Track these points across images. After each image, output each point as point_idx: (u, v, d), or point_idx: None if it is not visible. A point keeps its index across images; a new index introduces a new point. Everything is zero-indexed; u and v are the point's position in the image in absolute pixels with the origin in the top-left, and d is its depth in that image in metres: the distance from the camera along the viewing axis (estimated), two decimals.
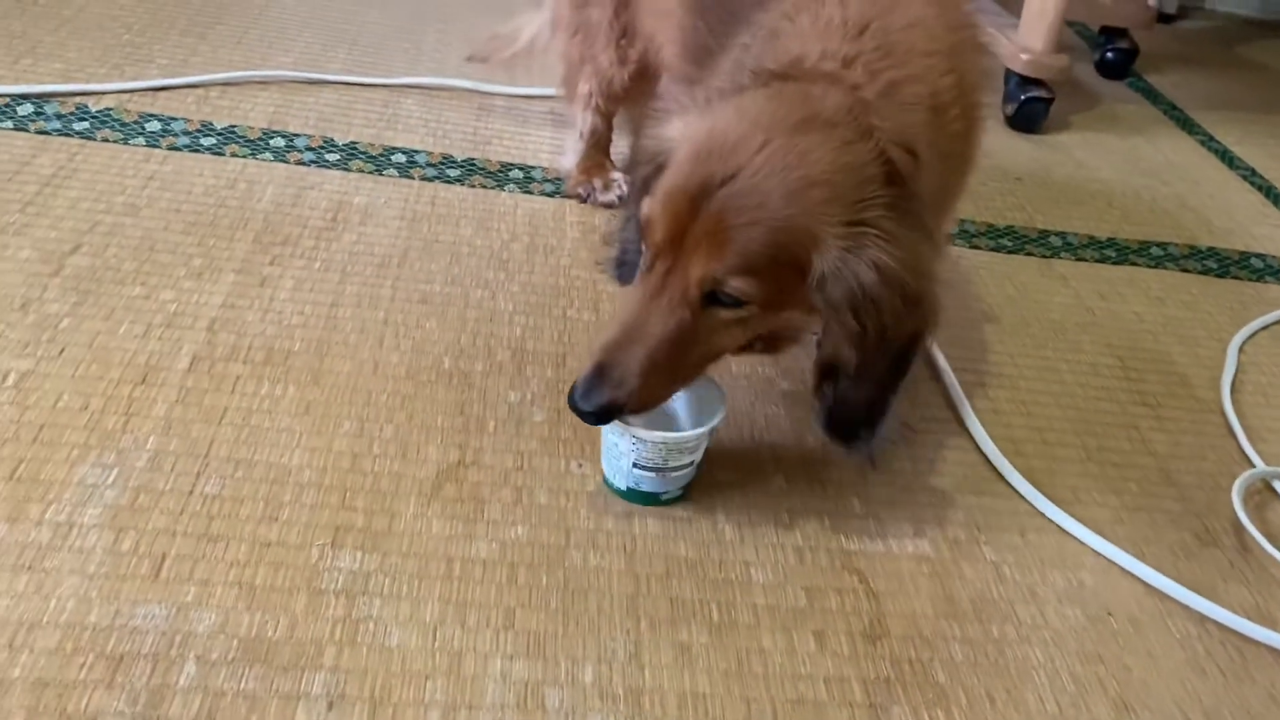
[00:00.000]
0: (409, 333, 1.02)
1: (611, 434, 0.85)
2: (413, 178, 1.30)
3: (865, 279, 0.75)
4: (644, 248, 0.80)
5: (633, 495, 0.87)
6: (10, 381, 0.88)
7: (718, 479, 0.91)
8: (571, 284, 1.14)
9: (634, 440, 0.83)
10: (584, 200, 1.31)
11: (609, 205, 1.30)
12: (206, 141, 1.28)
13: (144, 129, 1.28)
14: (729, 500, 0.89)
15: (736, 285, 0.76)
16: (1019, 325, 1.21)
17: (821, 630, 0.79)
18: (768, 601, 0.81)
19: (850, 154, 0.76)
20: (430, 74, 1.54)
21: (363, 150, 1.33)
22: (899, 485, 0.95)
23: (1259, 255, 1.46)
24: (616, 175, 1.32)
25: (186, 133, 1.29)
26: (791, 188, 0.75)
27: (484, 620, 0.76)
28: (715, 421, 0.86)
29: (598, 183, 1.31)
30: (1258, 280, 1.40)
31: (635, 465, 0.85)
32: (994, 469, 0.98)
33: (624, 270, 0.96)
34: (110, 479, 0.81)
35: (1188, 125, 1.89)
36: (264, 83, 1.45)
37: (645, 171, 0.85)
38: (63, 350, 0.92)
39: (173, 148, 1.26)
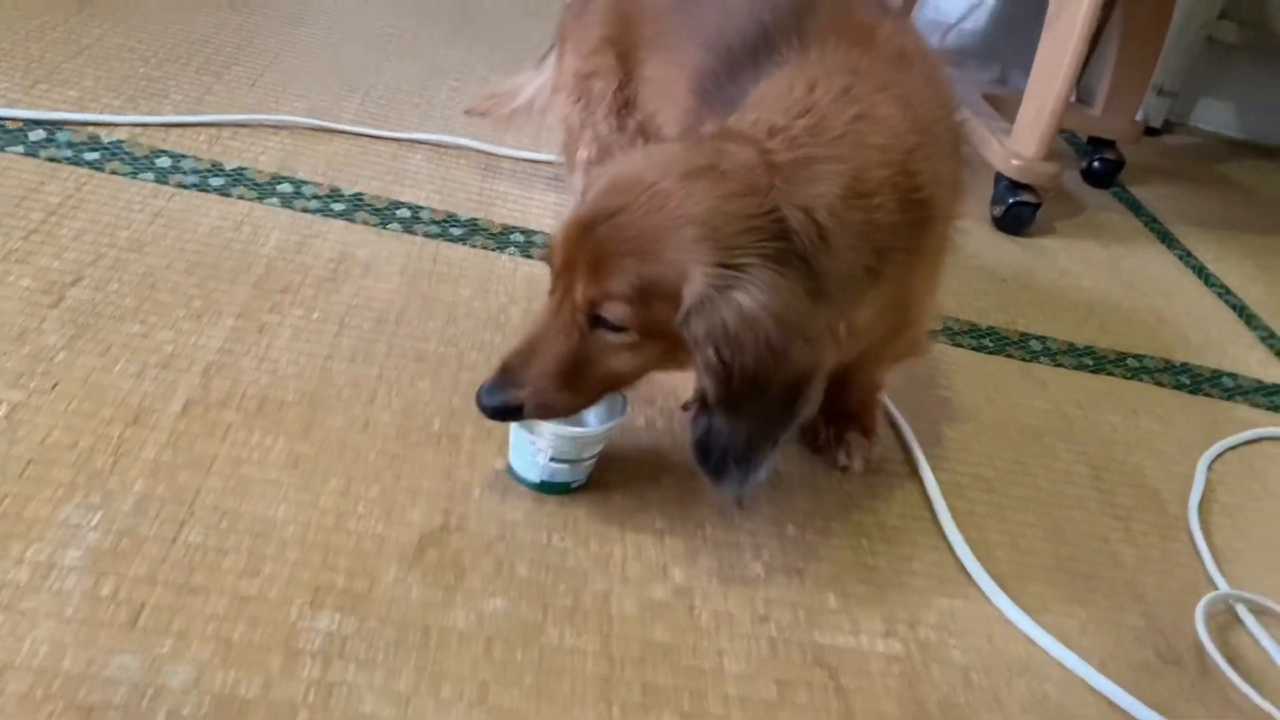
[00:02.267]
0: (402, 391, 1.04)
1: (525, 431, 0.92)
2: (416, 234, 1.31)
3: (727, 318, 0.78)
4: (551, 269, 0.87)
5: (545, 487, 0.95)
6: (1, 413, 0.88)
7: (698, 564, 0.93)
8: None
9: (552, 436, 0.91)
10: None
11: None
12: (215, 182, 1.30)
13: (154, 164, 1.30)
14: (707, 587, 0.91)
15: (612, 310, 0.82)
16: (997, 427, 1.24)
17: None
18: (739, 692, 0.82)
19: (735, 204, 0.80)
20: (440, 131, 1.56)
21: (369, 202, 1.35)
22: (874, 582, 0.96)
23: (1230, 374, 1.50)
24: None
25: (196, 171, 1.31)
26: (666, 223, 0.80)
27: (457, 693, 0.76)
28: (621, 418, 0.95)
29: None
30: (1228, 399, 1.43)
31: (552, 459, 0.92)
32: (966, 571, 1.00)
33: None
34: (94, 521, 0.81)
35: (1167, 239, 1.95)
36: (276, 127, 1.47)
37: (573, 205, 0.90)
38: (56, 384, 0.93)
39: (181, 185, 1.27)
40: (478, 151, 1.56)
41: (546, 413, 0.88)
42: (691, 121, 1.06)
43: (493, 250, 1.33)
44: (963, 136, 0.98)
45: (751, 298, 0.78)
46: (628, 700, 0.79)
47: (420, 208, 1.38)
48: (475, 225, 1.37)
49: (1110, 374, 1.42)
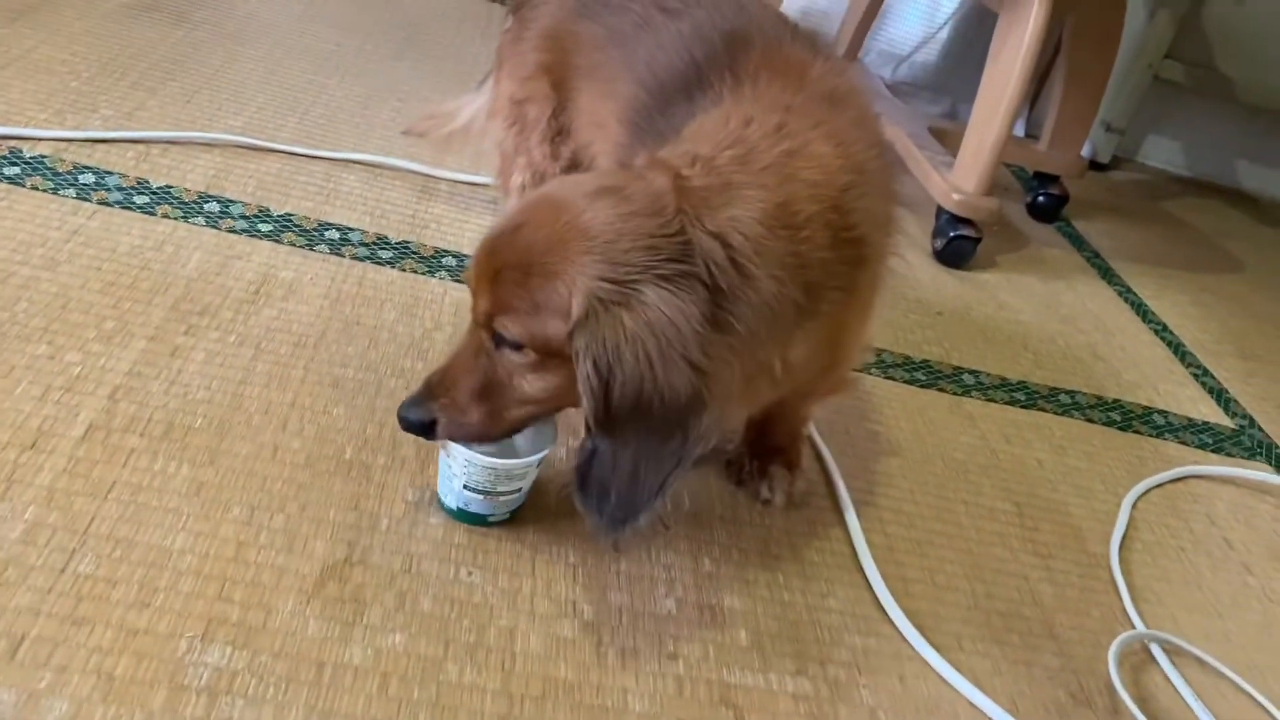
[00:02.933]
0: (315, 418, 1.02)
1: (445, 455, 0.91)
2: (344, 255, 1.30)
3: (607, 333, 0.76)
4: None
5: (462, 515, 0.94)
6: None
7: (608, 600, 0.91)
8: None
9: (465, 462, 0.89)
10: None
11: None
12: (139, 200, 1.28)
13: (77, 180, 1.28)
14: (616, 622, 0.89)
15: (504, 325, 0.81)
16: (923, 461, 1.24)
17: None
18: None
19: (633, 222, 0.78)
20: (376, 151, 1.55)
21: (297, 223, 1.34)
22: (788, 619, 0.95)
23: (1161, 411, 1.51)
24: None
25: (120, 188, 1.29)
26: (555, 238, 0.79)
27: None
28: (543, 453, 0.93)
29: None
30: (1157, 436, 1.44)
31: (465, 487, 0.91)
32: (882, 608, 0.99)
33: None
34: None
35: (1108, 275, 1.97)
36: (208, 145, 1.45)
37: None
38: None
39: (104, 203, 1.25)
40: (414, 173, 1.54)
41: (461, 433, 0.87)
42: (623, 154, 1.05)
43: (423, 274, 1.31)
44: (894, 176, 0.98)
45: (635, 315, 0.75)
46: None
47: (350, 229, 1.36)
48: (407, 248, 1.36)
49: (1041, 409, 1.43)
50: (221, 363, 1.05)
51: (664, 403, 0.78)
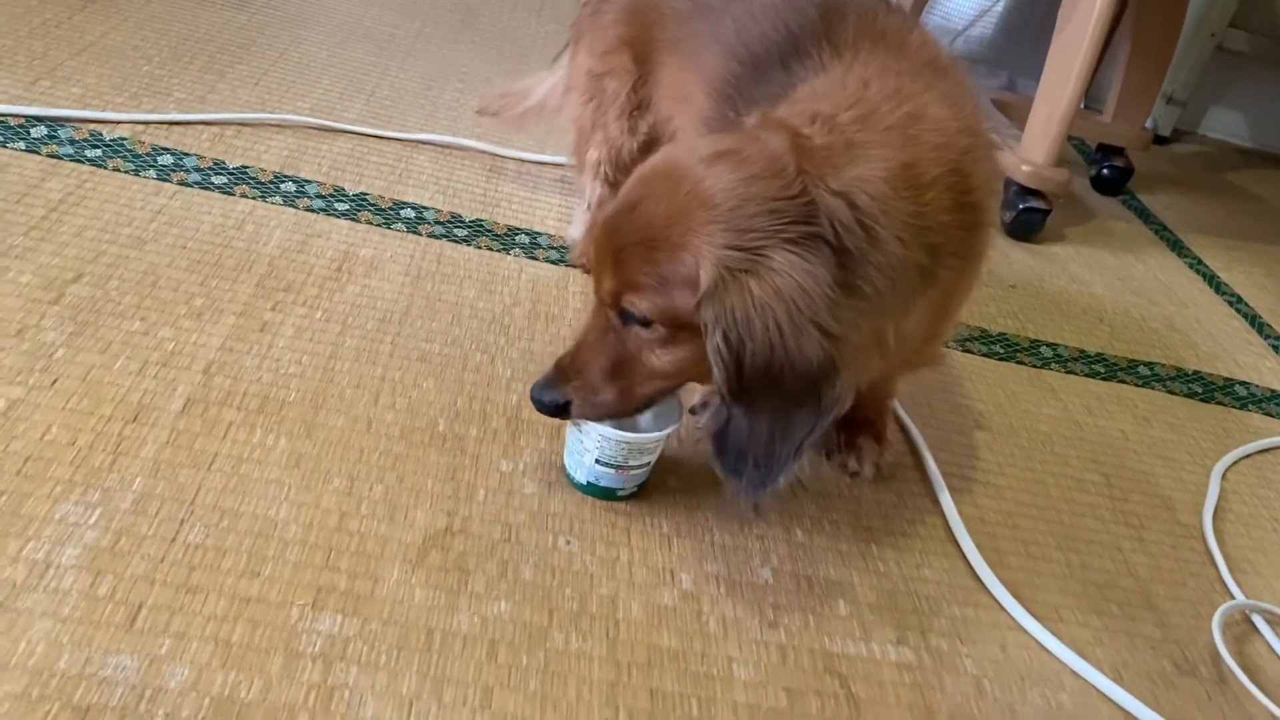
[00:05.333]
0: (405, 391, 1.02)
1: (576, 430, 0.92)
2: (420, 234, 1.30)
3: (736, 303, 0.74)
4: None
5: (592, 489, 0.94)
6: None
7: (705, 569, 0.91)
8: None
9: (599, 438, 0.90)
10: (588, 271, 1.32)
11: None
12: (218, 180, 1.29)
13: (156, 162, 1.29)
14: (715, 591, 0.89)
15: (631, 301, 0.81)
16: (1008, 434, 1.22)
17: None
18: (748, 700, 0.80)
19: (755, 186, 0.76)
20: (444, 132, 1.55)
21: (372, 202, 1.34)
22: (885, 589, 0.94)
23: (1242, 383, 1.48)
24: None
25: (198, 169, 1.30)
26: (677, 209, 0.78)
27: (460, 698, 0.74)
28: (673, 428, 0.93)
29: None
30: (1240, 408, 1.41)
31: (598, 461, 0.91)
32: (978, 579, 0.98)
33: None
34: (93, 519, 0.80)
35: (1177, 247, 1.93)
36: (280, 126, 1.45)
37: None
38: (55, 381, 0.91)
39: (183, 183, 1.26)
40: (483, 153, 1.54)
41: (594, 412, 0.88)
42: (710, 126, 1.04)
43: (497, 251, 1.31)
44: (999, 143, 0.96)
45: (764, 283, 0.74)
46: (635, 707, 0.77)
47: (425, 208, 1.36)
48: (480, 226, 1.36)
49: (1121, 381, 1.41)
50: (311, 338, 1.06)
51: (795, 370, 0.76)
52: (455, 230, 1.33)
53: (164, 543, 0.79)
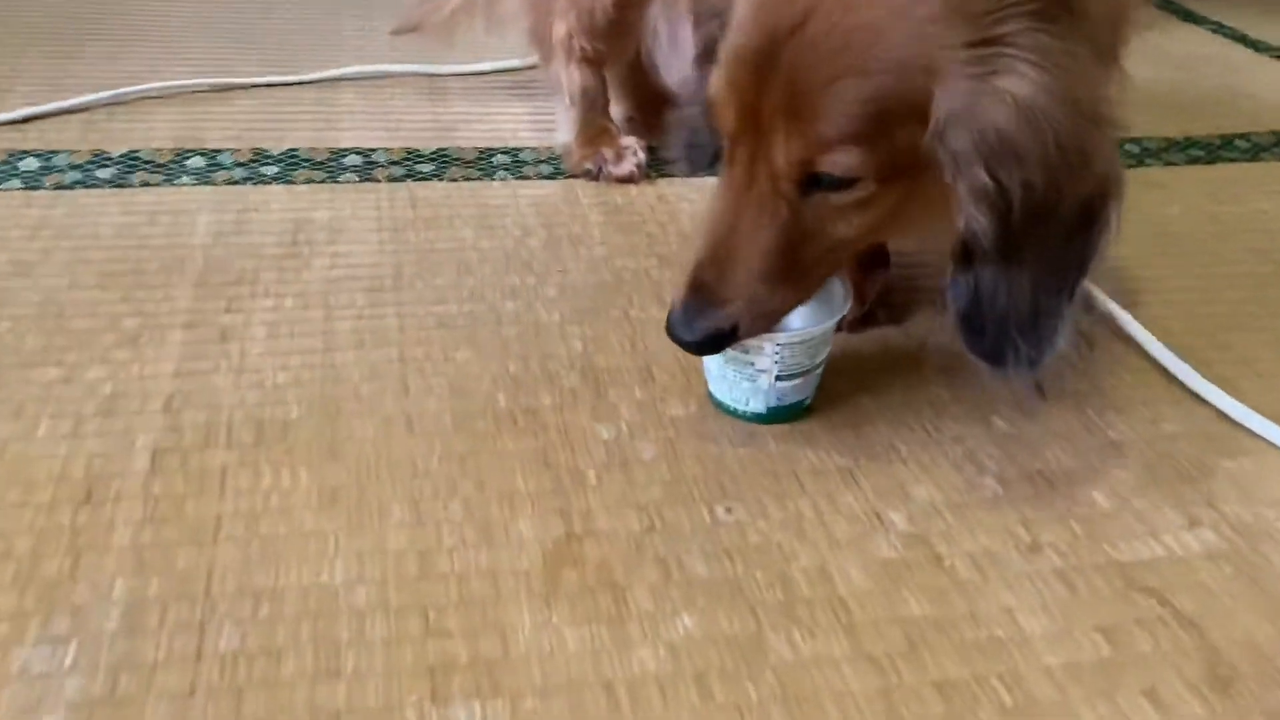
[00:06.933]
0: (438, 370, 0.76)
1: (737, 354, 0.69)
2: (377, 180, 1.03)
3: (998, 118, 0.55)
4: (720, 135, 0.63)
5: (775, 414, 0.72)
6: None
7: (914, 498, 0.67)
8: (619, 277, 0.89)
9: (775, 351, 0.68)
10: (595, 177, 1.06)
11: (627, 179, 1.05)
12: (103, 173, 0.99)
13: (17, 169, 0.99)
14: (942, 525, 0.65)
15: (837, 162, 0.58)
16: (1149, 241, 1.00)
17: (1151, 687, 0.56)
18: (1061, 659, 0.57)
19: None
20: (363, 62, 1.26)
21: (306, 157, 1.06)
22: (1135, 463, 0.72)
23: None
24: (629, 141, 1.07)
25: (75, 166, 1.00)
26: (883, 14, 0.55)
27: None
28: (848, 303, 0.72)
29: (608, 153, 1.06)
30: None
31: (778, 378, 0.70)
32: (1230, 419, 0.76)
33: (695, 154, 0.79)
34: (69, 659, 0.53)
35: (1190, 17, 1.72)
36: (161, 97, 1.16)
37: (707, 31, 0.67)
38: None
39: (60, 186, 0.96)
40: (416, 75, 1.26)
41: (765, 323, 0.66)
42: None
43: (477, 180, 1.04)
44: None
45: (1027, 81, 0.54)
46: (927, 714, 0.53)
47: (371, 150, 1.08)
48: (445, 156, 1.08)
49: (1227, 160, 1.19)
50: (290, 334, 0.79)
51: (1076, 188, 0.57)
52: (418, 167, 1.06)
53: (187, 664, 0.53)
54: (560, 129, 1.09)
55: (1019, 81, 0.54)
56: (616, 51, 1.06)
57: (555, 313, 0.83)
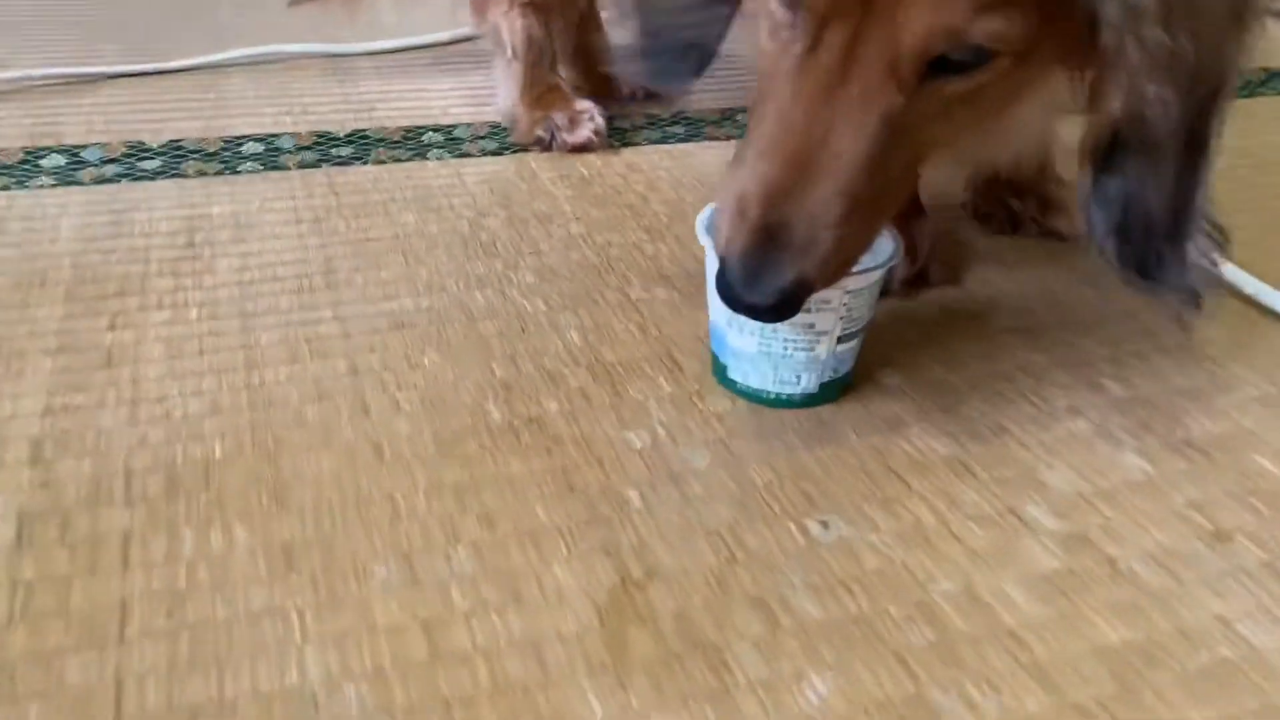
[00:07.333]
0: (404, 380, 0.58)
1: (793, 327, 0.53)
2: (287, 168, 0.84)
3: None
4: (790, 13, 0.46)
5: (829, 390, 0.57)
6: None
7: (1043, 480, 0.52)
8: (606, 255, 0.73)
9: (844, 303, 0.53)
10: (547, 147, 0.89)
11: (584, 147, 0.89)
12: None
13: None
14: (1092, 512, 0.50)
15: (991, 28, 0.43)
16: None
17: None
18: None
19: None
20: (251, 43, 1.07)
21: (194, 149, 0.86)
22: (1216, 407, 0.58)
23: None
24: (584, 104, 0.91)
25: None
26: None
27: None
28: (898, 254, 0.56)
29: (559, 118, 0.89)
30: None
31: (841, 338, 0.55)
32: None
33: (661, 64, 0.61)
34: None
35: None
36: (6, 91, 0.95)
37: None
38: None
39: None
40: (316, 56, 1.08)
41: (844, 270, 0.50)
42: None
43: (408, 160, 0.87)
44: None
45: None
46: None
47: (275, 136, 0.90)
48: (365, 137, 0.90)
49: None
50: (197, 351, 0.60)
51: (1235, 47, 0.47)
52: (333, 151, 0.87)
53: None
54: (501, 91, 0.92)
55: None
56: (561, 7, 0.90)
57: (539, 300, 0.66)
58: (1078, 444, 0.55)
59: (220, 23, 1.17)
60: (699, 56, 0.58)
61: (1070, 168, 0.83)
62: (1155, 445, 0.55)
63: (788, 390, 0.56)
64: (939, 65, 0.45)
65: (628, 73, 0.73)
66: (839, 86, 0.45)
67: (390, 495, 0.50)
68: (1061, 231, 0.78)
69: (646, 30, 0.61)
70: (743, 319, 0.52)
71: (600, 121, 0.90)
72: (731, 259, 0.47)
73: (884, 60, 0.44)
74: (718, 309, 0.55)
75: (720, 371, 0.58)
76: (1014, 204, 0.78)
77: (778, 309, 0.48)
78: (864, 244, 0.50)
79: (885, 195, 0.49)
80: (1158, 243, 0.50)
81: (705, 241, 0.54)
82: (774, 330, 0.54)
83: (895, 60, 0.44)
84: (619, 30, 0.86)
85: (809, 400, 0.57)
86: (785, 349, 0.55)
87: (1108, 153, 0.48)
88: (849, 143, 0.45)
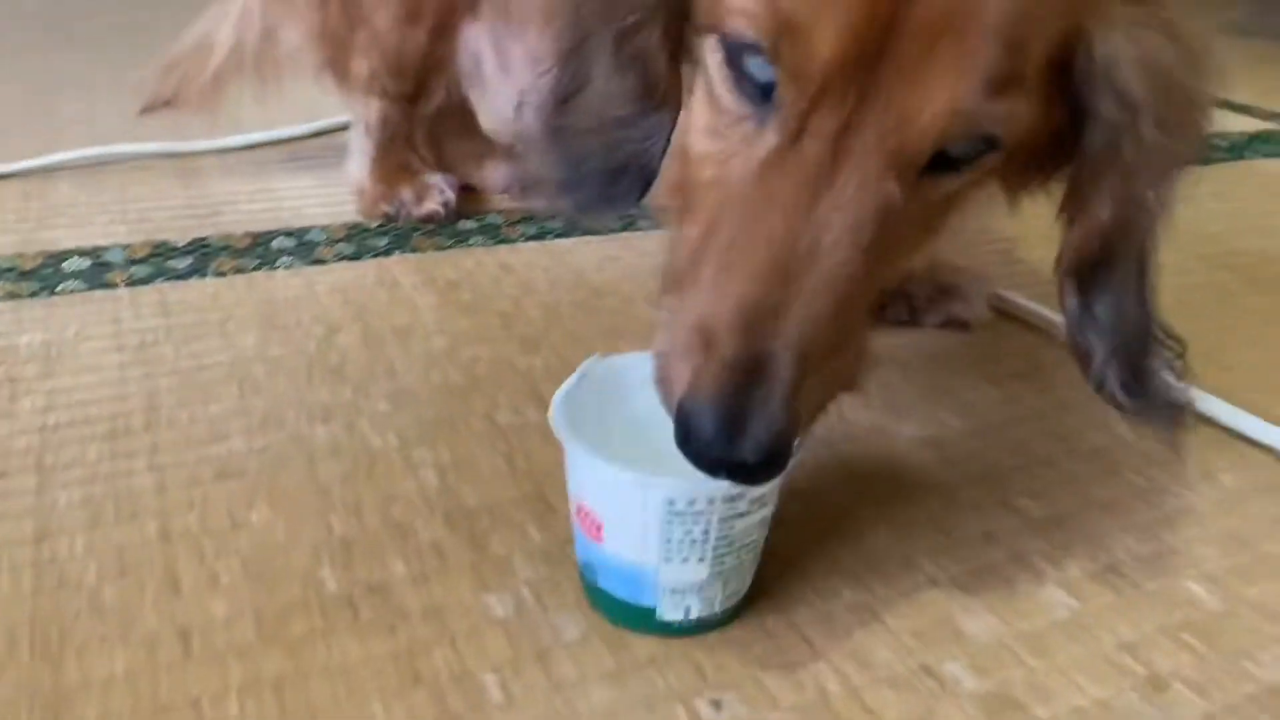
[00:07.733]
0: (225, 545, 0.49)
1: (723, 507, 0.42)
2: (115, 286, 0.75)
3: (1167, 57, 0.42)
4: (751, 104, 0.41)
5: (726, 615, 0.46)
6: None
7: (961, 629, 0.46)
8: (472, 373, 0.65)
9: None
10: (393, 219, 0.84)
11: (429, 219, 0.85)
12: None
13: None
14: (1015, 663, 0.44)
15: (1006, 112, 0.39)
16: None
17: None
18: None
19: None
20: (86, 144, 0.98)
21: (7, 266, 0.77)
22: (1216, 534, 0.54)
23: None
24: (434, 178, 0.87)
25: None
26: None
27: None
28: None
29: (406, 193, 0.87)
30: None
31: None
32: None
33: (590, 194, 0.52)
34: None
35: None
36: None
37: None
38: None
39: None
40: (158, 156, 0.99)
41: (824, 404, 0.42)
42: None
43: (253, 271, 0.79)
44: None
45: (1181, 27, 0.42)
46: None
47: (103, 249, 0.81)
48: (206, 247, 0.82)
49: None
50: None
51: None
52: (170, 263, 0.79)
53: None
54: (352, 163, 0.88)
55: (1174, 26, 0.42)
56: (427, 91, 0.85)
57: (390, 434, 0.59)
58: (995, 578, 0.50)
59: (62, 120, 1.08)
60: (639, 176, 0.50)
61: (966, 253, 0.80)
62: (1078, 575, 0.50)
63: (734, 601, 0.46)
64: (935, 160, 0.40)
65: (554, 209, 0.67)
66: (827, 184, 0.39)
67: (195, 700, 0.41)
68: (964, 318, 0.74)
69: (567, 160, 0.52)
70: (688, 546, 0.42)
71: (450, 194, 0.88)
72: (700, 406, 0.38)
73: (884, 150, 0.38)
74: (646, 545, 0.42)
75: (641, 621, 0.45)
76: (913, 290, 0.73)
77: (771, 463, 0.38)
78: (858, 366, 0.42)
79: (870, 310, 0.42)
80: (1137, 359, 0.47)
81: (563, 434, 0.43)
82: (727, 533, 0.43)
83: (899, 150, 0.38)
84: (535, 161, 0.79)
85: (717, 623, 0.46)
86: (739, 559, 0.44)
87: (1088, 270, 0.45)
88: (844, 251, 0.38)
